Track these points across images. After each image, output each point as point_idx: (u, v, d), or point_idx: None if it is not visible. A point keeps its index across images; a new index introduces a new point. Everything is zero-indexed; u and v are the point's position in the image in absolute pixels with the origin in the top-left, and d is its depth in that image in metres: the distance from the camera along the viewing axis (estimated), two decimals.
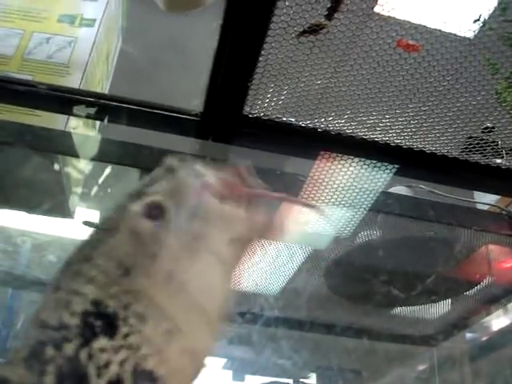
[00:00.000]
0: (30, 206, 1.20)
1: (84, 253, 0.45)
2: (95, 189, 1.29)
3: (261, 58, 0.88)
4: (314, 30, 0.85)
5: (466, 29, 0.89)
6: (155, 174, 0.50)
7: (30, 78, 1.10)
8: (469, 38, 0.91)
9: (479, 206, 1.43)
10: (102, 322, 0.41)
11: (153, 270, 0.43)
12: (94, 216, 1.46)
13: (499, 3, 0.90)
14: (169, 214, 0.45)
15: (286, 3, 0.78)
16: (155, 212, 0.45)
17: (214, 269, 0.45)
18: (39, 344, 0.40)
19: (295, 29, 0.84)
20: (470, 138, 1.07)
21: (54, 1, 1.22)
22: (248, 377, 2.34)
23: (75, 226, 1.46)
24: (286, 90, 0.96)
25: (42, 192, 1.17)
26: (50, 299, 0.43)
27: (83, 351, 0.39)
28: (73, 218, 1.24)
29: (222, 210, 0.47)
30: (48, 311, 0.42)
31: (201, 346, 0.44)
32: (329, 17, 0.84)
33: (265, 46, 0.85)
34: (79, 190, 1.22)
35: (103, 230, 0.47)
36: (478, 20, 0.90)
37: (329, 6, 0.82)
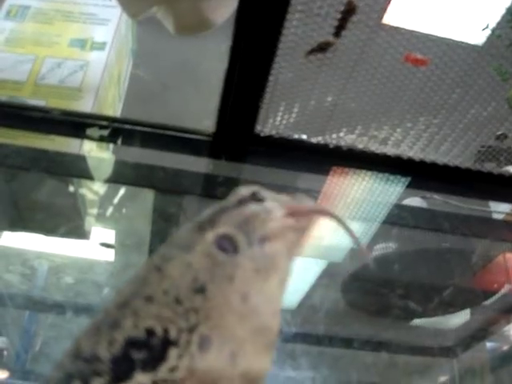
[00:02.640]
0: (47, 229, 1.21)
1: (154, 263, 0.42)
2: (110, 210, 1.30)
3: (270, 78, 0.88)
4: (322, 48, 0.86)
5: (475, 37, 0.89)
6: (226, 202, 0.49)
7: (43, 102, 1.11)
8: (478, 47, 0.90)
9: (494, 215, 1.42)
10: (148, 353, 0.37)
11: (230, 290, 0.42)
12: (110, 237, 1.48)
13: (507, 10, 0.90)
14: (240, 247, 0.45)
15: (294, 23, 0.79)
16: (227, 244, 0.44)
17: (279, 290, 0.45)
18: (67, 377, 0.37)
19: (304, 48, 0.85)
20: (483, 147, 1.07)
21: (64, 26, 1.24)
22: None
23: (91, 247, 1.47)
24: (296, 107, 0.97)
25: (58, 215, 1.18)
26: (99, 318, 0.40)
27: None
28: (89, 239, 1.25)
29: (287, 231, 0.48)
30: (88, 336, 0.39)
31: (261, 369, 0.41)
32: (336, 34, 0.84)
33: (274, 65, 0.86)
34: (95, 211, 1.23)
35: (176, 246, 0.44)
36: (487, 28, 0.90)
37: (336, 24, 0.83)
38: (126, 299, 0.40)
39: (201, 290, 0.41)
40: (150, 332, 0.38)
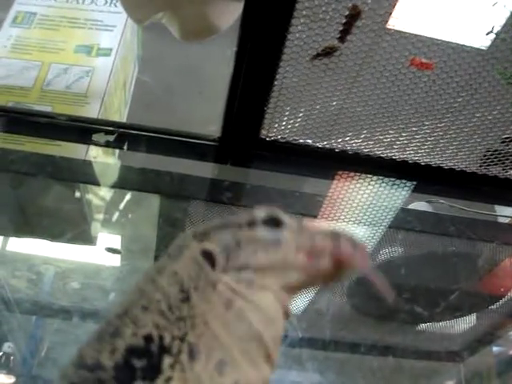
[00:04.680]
0: (53, 234, 1.22)
1: (150, 275, 0.44)
2: (116, 215, 1.30)
3: (276, 82, 0.88)
4: (328, 52, 0.86)
5: (480, 41, 0.89)
6: (236, 219, 0.48)
7: (49, 108, 1.12)
8: (483, 50, 0.90)
9: (500, 219, 1.42)
10: (147, 361, 0.39)
11: (213, 295, 0.42)
12: (116, 242, 1.48)
13: None
14: (218, 265, 0.44)
15: (299, 28, 0.79)
16: (207, 258, 0.44)
17: (270, 302, 0.44)
18: None
19: (309, 52, 0.85)
20: (488, 151, 1.07)
21: (70, 32, 1.25)
22: None
23: (97, 252, 1.47)
24: (301, 112, 0.97)
25: (65, 220, 1.18)
26: (101, 327, 0.41)
27: None
28: (95, 244, 1.25)
29: (273, 263, 0.45)
30: (91, 345, 0.40)
31: (256, 377, 0.42)
32: (341, 39, 0.84)
33: (279, 70, 0.86)
34: (101, 216, 1.24)
35: (169, 254, 0.45)
36: (491, 32, 0.89)
37: (341, 28, 0.83)
38: (126, 309, 0.42)
39: (186, 299, 0.42)
40: (148, 339, 0.39)
